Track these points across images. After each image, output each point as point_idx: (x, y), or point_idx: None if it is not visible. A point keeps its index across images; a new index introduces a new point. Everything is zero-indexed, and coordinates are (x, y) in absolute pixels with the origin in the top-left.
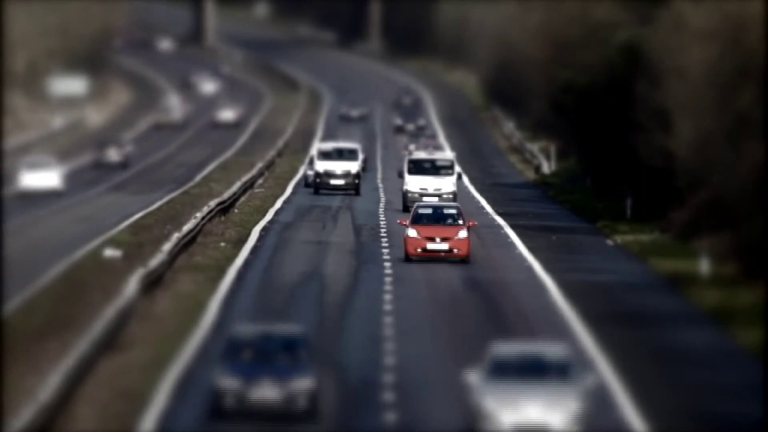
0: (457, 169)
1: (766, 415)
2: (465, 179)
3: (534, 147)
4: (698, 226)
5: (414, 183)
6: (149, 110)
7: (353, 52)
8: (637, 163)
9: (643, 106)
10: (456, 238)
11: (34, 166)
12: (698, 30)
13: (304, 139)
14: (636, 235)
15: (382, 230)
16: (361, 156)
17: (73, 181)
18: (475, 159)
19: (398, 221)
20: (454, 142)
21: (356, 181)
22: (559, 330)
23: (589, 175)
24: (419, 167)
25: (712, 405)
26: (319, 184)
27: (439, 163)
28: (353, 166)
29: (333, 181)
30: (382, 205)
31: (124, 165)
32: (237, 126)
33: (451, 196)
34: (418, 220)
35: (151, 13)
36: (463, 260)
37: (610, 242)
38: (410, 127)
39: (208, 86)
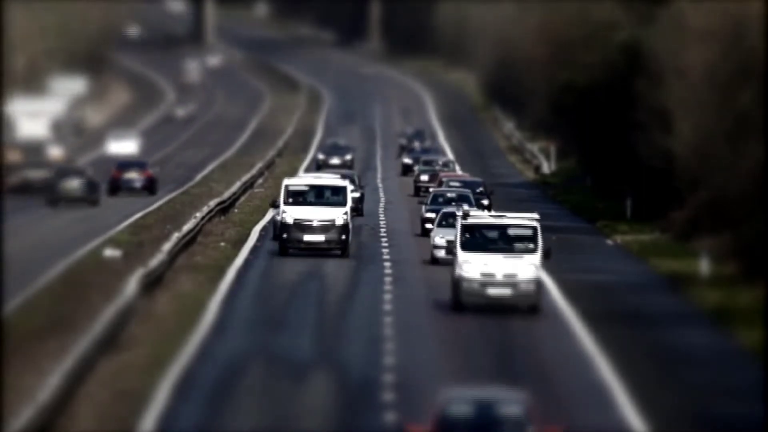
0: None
1: (766, 415)
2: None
3: (534, 147)
4: (698, 226)
5: (473, 265)
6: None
7: (354, 52)
8: (637, 163)
9: (643, 106)
10: None
11: (118, 136)
12: (698, 30)
13: (304, 139)
14: (636, 235)
15: (382, 230)
16: (351, 196)
17: (149, 138)
18: (475, 159)
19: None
20: (454, 143)
21: (342, 237)
22: (558, 329)
23: (589, 175)
24: (481, 239)
25: (712, 405)
26: (286, 242)
27: (513, 232)
28: (338, 214)
29: (308, 237)
30: (382, 205)
31: (189, 120)
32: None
33: (532, 288)
34: (447, 430)
35: (151, 13)
36: None
37: (610, 242)
38: (427, 167)
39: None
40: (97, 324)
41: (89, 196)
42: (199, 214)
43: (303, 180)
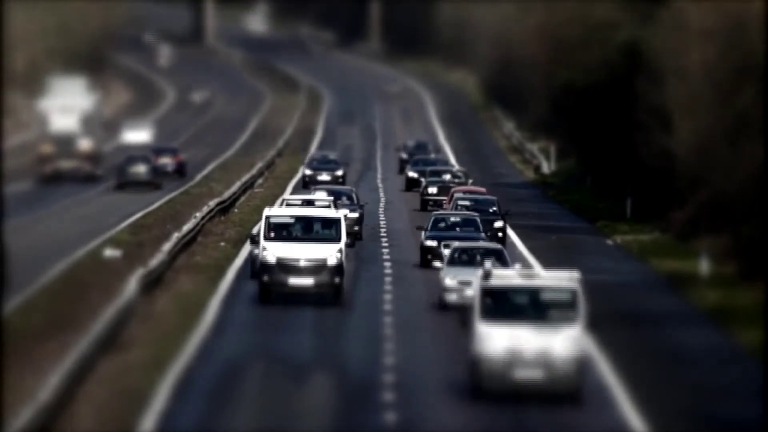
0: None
1: (766, 415)
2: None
3: (534, 147)
4: (698, 226)
5: (495, 340)
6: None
7: (354, 52)
8: (637, 163)
9: (643, 106)
10: None
11: (133, 126)
12: (698, 30)
13: (304, 139)
14: (636, 235)
15: (382, 230)
16: (349, 216)
17: (164, 125)
18: (475, 159)
19: None
20: (454, 143)
21: (336, 280)
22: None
23: (589, 175)
24: (506, 305)
25: (712, 405)
26: (268, 285)
27: (548, 296)
28: (330, 252)
29: (294, 280)
30: (382, 205)
31: (204, 106)
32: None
33: (571, 369)
34: None
35: (150, 13)
36: None
37: (610, 242)
38: (436, 178)
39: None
40: (97, 324)
41: (154, 180)
42: (199, 214)
43: (289, 209)
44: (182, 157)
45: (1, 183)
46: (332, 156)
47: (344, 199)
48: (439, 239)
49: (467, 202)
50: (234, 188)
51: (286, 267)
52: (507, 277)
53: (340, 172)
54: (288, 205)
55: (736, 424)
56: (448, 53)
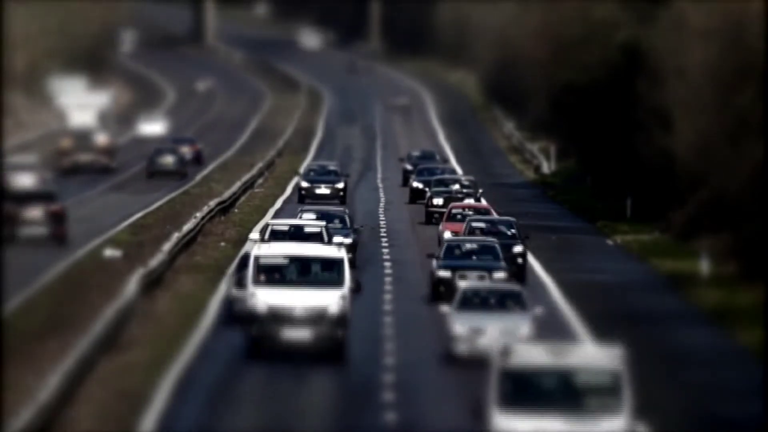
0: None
1: (767, 415)
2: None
3: (534, 147)
4: (698, 226)
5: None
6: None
7: (354, 53)
8: (637, 163)
9: (643, 106)
10: None
11: (148, 120)
12: (698, 30)
13: (305, 139)
14: (636, 235)
15: (382, 230)
16: (343, 242)
17: (178, 118)
18: (475, 159)
19: None
20: (454, 143)
21: (338, 333)
22: (558, 328)
23: (589, 175)
24: (531, 391)
25: (713, 405)
26: (258, 339)
27: (583, 379)
28: (332, 299)
29: (289, 333)
30: (382, 205)
31: (208, 95)
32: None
33: None
34: None
35: (150, 13)
36: None
37: (610, 242)
38: (442, 188)
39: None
40: (97, 324)
41: (180, 170)
42: (199, 214)
43: (282, 245)
44: (199, 146)
45: (1, 182)
46: (332, 166)
47: (336, 222)
48: (454, 269)
49: (482, 224)
50: (234, 188)
51: (278, 317)
52: (531, 354)
53: (340, 185)
54: (273, 231)
55: (736, 424)
56: (448, 53)
